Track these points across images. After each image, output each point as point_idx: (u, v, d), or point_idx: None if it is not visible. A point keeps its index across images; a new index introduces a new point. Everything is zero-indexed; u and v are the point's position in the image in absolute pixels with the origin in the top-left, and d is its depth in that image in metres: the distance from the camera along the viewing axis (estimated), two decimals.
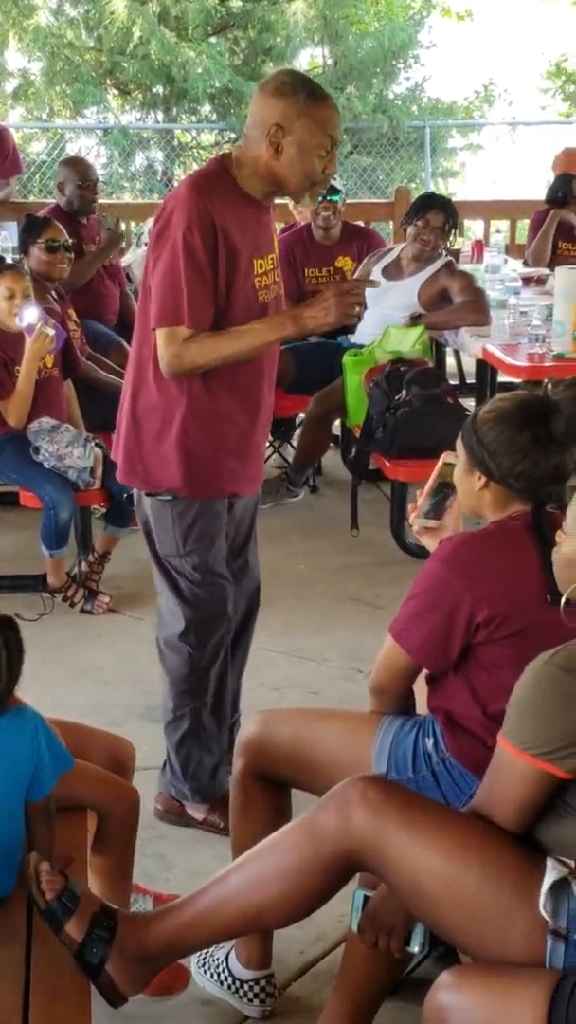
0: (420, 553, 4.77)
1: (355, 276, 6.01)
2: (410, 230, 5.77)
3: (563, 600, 2.27)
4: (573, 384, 2.53)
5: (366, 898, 2.33)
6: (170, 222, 3.05)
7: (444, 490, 2.81)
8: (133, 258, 6.88)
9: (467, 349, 5.79)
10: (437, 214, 5.73)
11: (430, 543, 2.78)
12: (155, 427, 3.20)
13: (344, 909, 2.42)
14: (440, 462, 2.80)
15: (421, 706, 2.67)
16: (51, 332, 4.75)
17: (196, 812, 3.45)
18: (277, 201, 3.33)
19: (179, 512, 3.24)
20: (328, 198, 6.30)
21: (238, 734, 2.85)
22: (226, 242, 3.04)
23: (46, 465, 4.81)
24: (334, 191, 6.30)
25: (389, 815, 2.19)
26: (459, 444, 2.60)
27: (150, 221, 3.09)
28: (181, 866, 3.28)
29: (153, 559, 3.35)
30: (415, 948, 2.31)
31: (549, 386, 2.58)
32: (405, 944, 2.31)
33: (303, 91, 3.01)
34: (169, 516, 3.26)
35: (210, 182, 3.09)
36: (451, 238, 5.95)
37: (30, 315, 4.73)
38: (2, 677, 2.25)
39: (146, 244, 3.14)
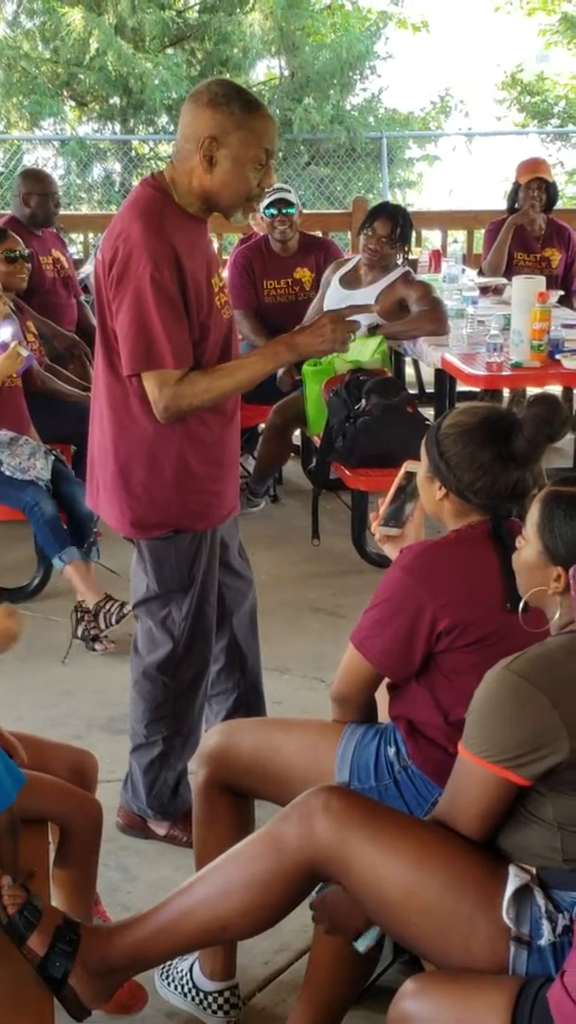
0: (381, 562, 4.79)
1: (319, 288, 6.03)
2: (361, 239, 5.81)
3: (521, 606, 2.28)
4: (536, 402, 2.53)
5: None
6: (129, 265, 2.93)
7: (405, 498, 2.81)
8: (91, 270, 6.87)
9: (426, 358, 5.82)
10: (384, 223, 5.74)
11: (392, 551, 2.79)
12: (145, 468, 3.10)
13: (308, 919, 2.42)
14: (402, 470, 2.81)
15: (383, 714, 2.68)
16: (24, 353, 4.76)
17: (158, 827, 3.44)
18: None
19: (184, 546, 3.17)
20: (283, 211, 6.32)
21: (201, 746, 2.83)
22: (191, 275, 2.96)
23: (14, 476, 4.79)
24: (288, 204, 6.33)
25: (352, 825, 2.20)
26: (423, 451, 2.61)
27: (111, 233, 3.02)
28: (143, 878, 3.27)
29: (145, 594, 3.27)
30: (361, 947, 2.31)
31: (513, 401, 2.59)
32: (354, 940, 2.32)
33: (238, 102, 2.91)
34: (172, 552, 3.18)
35: (160, 215, 2.96)
36: (406, 247, 5.97)
37: (4, 333, 4.76)
38: None
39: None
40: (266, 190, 3.04)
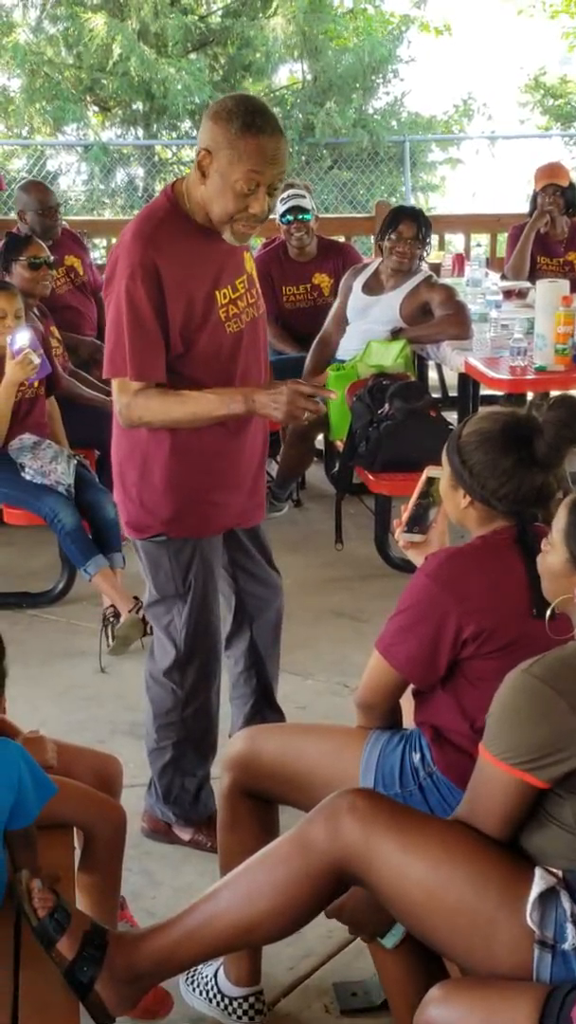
0: (404, 567, 4.78)
1: (338, 294, 6.03)
2: (385, 244, 5.79)
3: (548, 613, 2.28)
4: (557, 405, 2.52)
5: None
6: (115, 271, 2.98)
7: (428, 504, 2.81)
8: None
9: (449, 363, 5.81)
10: (409, 224, 5.74)
11: (416, 557, 2.79)
12: (137, 470, 3.15)
13: (332, 925, 2.42)
14: (423, 476, 2.80)
15: (408, 720, 2.67)
16: (36, 360, 4.74)
17: (182, 833, 3.44)
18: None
19: (174, 552, 3.19)
20: (299, 217, 6.33)
21: (225, 751, 2.84)
22: (176, 288, 2.95)
23: (35, 481, 4.80)
24: (303, 211, 6.33)
25: (377, 826, 2.20)
26: (444, 459, 2.61)
27: None
28: (168, 883, 3.28)
29: (149, 598, 3.31)
30: (389, 944, 2.32)
31: (533, 404, 2.59)
32: (380, 937, 2.32)
33: (238, 121, 2.85)
34: (165, 556, 3.20)
35: (155, 226, 2.97)
36: (426, 249, 5.96)
37: (22, 339, 4.73)
38: None
39: None
40: (257, 217, 2.94)
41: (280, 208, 6.31)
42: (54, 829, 2.53)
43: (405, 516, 2.84)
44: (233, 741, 2.83)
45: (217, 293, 3.04)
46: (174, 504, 3.13)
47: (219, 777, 2.82)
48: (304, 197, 6.41)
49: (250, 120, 2.86)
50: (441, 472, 2.66)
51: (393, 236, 5.73)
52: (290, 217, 6.33)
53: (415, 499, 2.81)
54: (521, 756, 2.09)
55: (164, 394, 3.00)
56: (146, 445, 3.11)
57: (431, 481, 2.76)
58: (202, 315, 3.01)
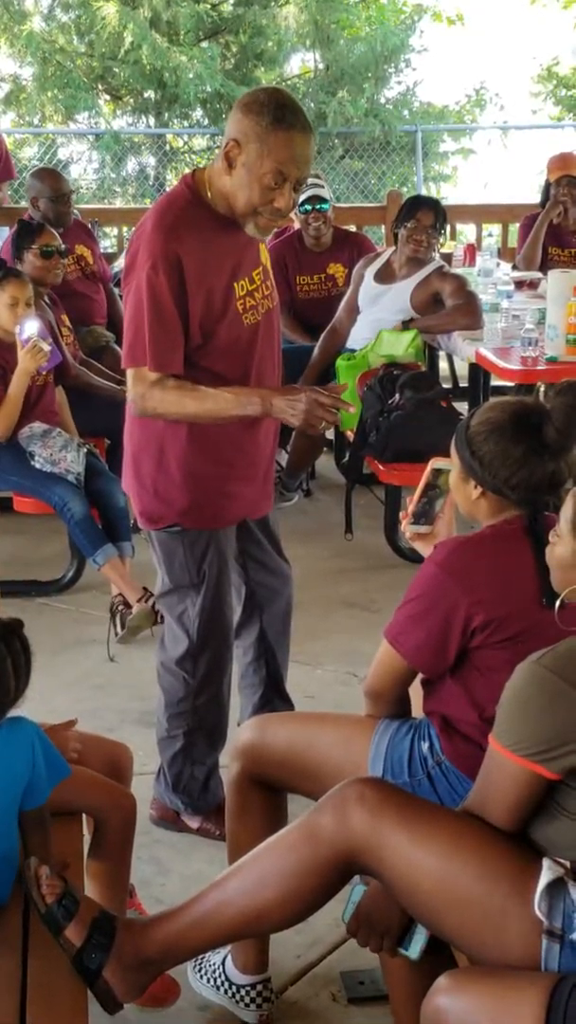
0: (414, 557, 4.78)
1: (349, 284, 6.02)
2: (402, 233, 5.78)
3: (557, 603, 2.28)
4: (564, 391, 2.51)
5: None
6: (136, 260, 2.97)
7: (434, 495, 2.80)
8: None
9: (460, 353, 5.80)
10: (427, 213, 5.74)
11: (424, 549, 2.79)
12: (153, 460, 3.15)
13: (340, 913, 2.42)
14: (429, 467, 2.80)
15: (417, 709, 2.67)
16: (47, 348, 4.75)
17: (191, 821, 3.45)
18: None
19: (189, 542, 3.20)
20: (317, 207, 6.31)
21: (234, 740, 2.84)
22: (198, 279, 2.95)
23: (44, 470, 4.81)
24: (322, 200, 6.32)
25: (386, 815, 2.20)
26: (453, 451, 2.61)
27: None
28: (177, 871, 3.29)
29: (162, 588, 3.31)
30: (413, 954, 2.29)
31: (543, 391, 2.58)
32: (399, 946, 2.30)
33: (270, 114, 2.84)
34: (180, 547, 3.20)
35: (177, 216, 2.96)
36: (441, 239, 5.96)
37: (31, 328, 4.74)
38: (3, 687, 2.26)
39: None
40: (281, 212, 2.95)
41: (298, 198, 6.28)
42: (64, 816, 2.53)
43: (411, 508, 2.83)
44: (242, 730, 2.83)
45: (235, 285, 3.04)
46: (190, 495, 3.13)
47: (227, 766, 2.83)
48: (323, 187, 6.39)
49: (281, 114, 2.85)
50: (447, 463, 2.66)
51: (411, 224, 5.72)
52: (308, 207, 6.31)
53: (420, 491, 2.81)
54: (531, 747, 2.09)
55: (181, 387, 2.99)
56: (163, 435, 3.11)
57: (437, 473, 2.76)
58: (221, 307, 3.01)
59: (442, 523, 2.82)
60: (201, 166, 3.08)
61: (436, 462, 2.76)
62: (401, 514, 2.88)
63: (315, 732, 2.71)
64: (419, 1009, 2.18)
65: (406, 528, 2.85)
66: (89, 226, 6.81)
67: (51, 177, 6.40)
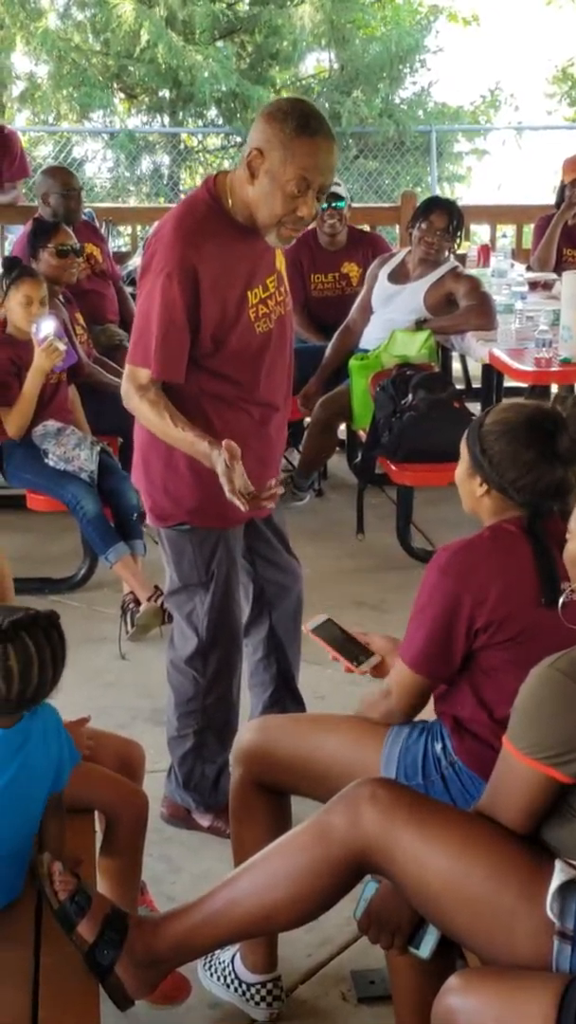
0: (426, 558, 4.76)
1: (364, 284, 6.02)
2: (415, 233, 5.78)
3: (561, 601, 2.28)
4: None
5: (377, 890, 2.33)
6: (152, 263, 2.99)
7: (343, 642, 2.78)
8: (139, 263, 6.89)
9: (473, 354, 5.80)
10: (441, 215, 5.73)
11: (391, 663, 2.71)
12: (163, 459, 3.16)
13: (351, 913, 2.42)
14: (313, 636, 2.77)
15: (428, 710, 2.68)
16: (63, 347, 4.76)
17: (202, 819, 3.46)
18: None
19: (198, 541, 3.21)
20: (333, 204, 6.30)
21: (236, 743, 2.84)
22: (212, 289, 2.95)
23: (58, 468, 4.82)
24: (338, 198, 6.31)
25: (398, 815, 2.20)
26: (463, 446, 2.61)
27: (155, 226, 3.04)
28: (188, 869, 3.29)
29: (170, 586, 3.32)
30: (424, 953, 2.28)
31: (558, 398, 2.58)
32: (410, 944, 2.30)
33: (293, 122, 2.84)
34: (189, 545, 3.22)
35: (197, 222, 2.97)
36: (457, 241, 5.95)
37: (47, 327, 4.74)
38: (33, 678, 2.27)
39: None
40: (304, 220, 2.94)
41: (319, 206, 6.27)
42: (76, 813, 2.54)
43: (344, 665, 2.78)
44: (243, 732, 2.82)
45: (249, 293, 3.05)
46: (200, 493, 3.13)
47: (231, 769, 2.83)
48: (339, 184, 6.39)
49: (304, 122, 2.85)
50: (316, 621, 2.74)
51: (423, 225, 5.71)
52: (325, 204, 6.30)
53: (335, 652, 2.77)
54: (545, 751, 2.09)
55: (156, 405, 3.00)
56: None
57: (319, 631, 2.76)
58: (234, 316, 3.03)
59: (376, 640, 2.80)
60: (223, 170, 3.09)
61: (306, 628, 2.79)
62: (344, 668, 2.80)
63: (322, 735, 2.70)
64: (422, 1010, 2.20)
65: (359, 672, 2.79)
66: (96, 224, 6.81)
67: (61, 173, 6.44)
